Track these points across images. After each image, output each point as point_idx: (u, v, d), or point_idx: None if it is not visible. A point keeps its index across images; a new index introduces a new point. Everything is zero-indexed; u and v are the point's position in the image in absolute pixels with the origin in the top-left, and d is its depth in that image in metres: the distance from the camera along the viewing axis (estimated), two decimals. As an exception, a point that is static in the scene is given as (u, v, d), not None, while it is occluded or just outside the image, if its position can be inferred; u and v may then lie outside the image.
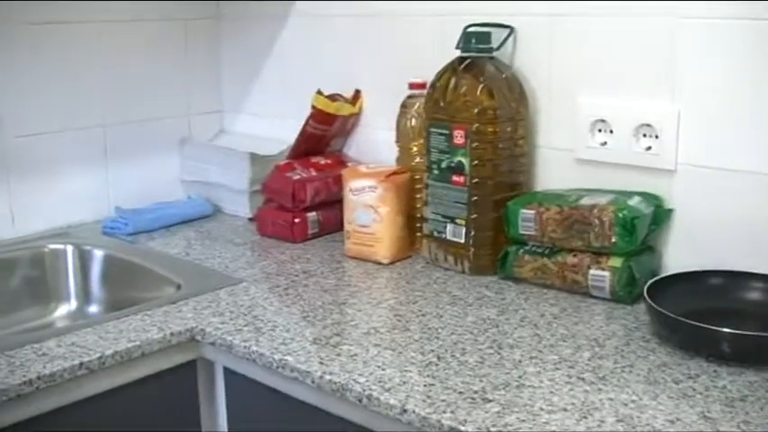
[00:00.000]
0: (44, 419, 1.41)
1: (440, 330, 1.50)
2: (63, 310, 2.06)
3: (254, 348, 1.45)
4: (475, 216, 1.76)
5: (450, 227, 1.79)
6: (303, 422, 1.46)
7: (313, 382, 1.35)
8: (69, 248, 2.07)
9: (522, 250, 1.72)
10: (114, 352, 1.46)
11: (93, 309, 2.05)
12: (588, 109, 1.75)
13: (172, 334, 1.53)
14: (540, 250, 1.70)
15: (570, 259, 1.66)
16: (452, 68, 1.80)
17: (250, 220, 2.24)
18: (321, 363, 1.38)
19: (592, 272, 1.63)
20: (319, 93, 2.11)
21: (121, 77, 2.28)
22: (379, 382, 1.30)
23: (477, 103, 1.74)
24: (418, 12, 2.01)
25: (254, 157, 2.21)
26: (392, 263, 1.87)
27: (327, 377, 1.33)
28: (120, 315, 1.61)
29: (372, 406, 1.27)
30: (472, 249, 1.78)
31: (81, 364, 1.42)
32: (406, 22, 2.05)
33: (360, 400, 1.28)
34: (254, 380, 1.50)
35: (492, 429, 1.16)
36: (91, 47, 2.21)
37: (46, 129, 2.15)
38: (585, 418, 1.19)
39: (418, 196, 1.90)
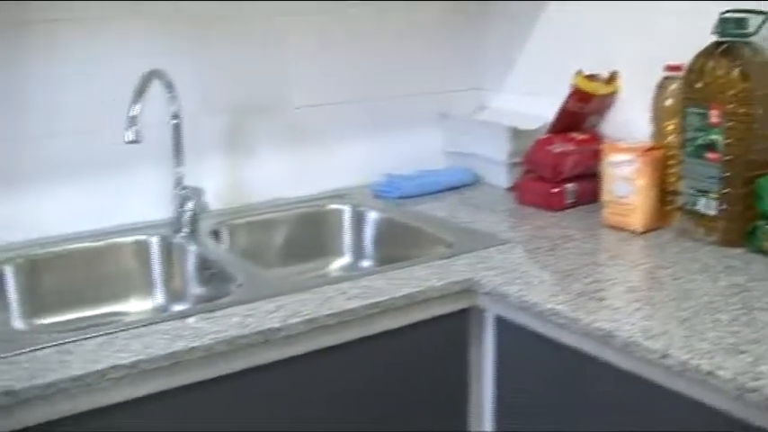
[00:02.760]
0: (339, 350, 1.63)
1: (693, 292, 1.63)
2: (339, 263, 2.30)
3: (527, 298, 1.63)
4: (727, 191, 1.86)
5: (702, 200, 1.90)
6: (568, 367, 1.62)
7: (582, 329, 1.52)
8: (347, 208, 2.30)
9: (771, 225, 1.81)
10: (403, 295, 1.67)
11: (366, 263, 2.27)
12: None
13: (451, 283, 1.73)
14: (790, 225, 1.79)
15: (820, 234, 1.74)
16: (709, 52, 1.89)
17: (507, 189, 2.40)
18: (589, 313, 1.54)
19: (841, 246, 1.71)
20: (579, 73, 2.25)
21: (391, 57, 2.50)
22: (643, 331, 1.46)
23: (732, 86, 1.83)
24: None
25: (514, 131, 2.37)
26: (645, 232, 2.01)
27: (596, 324, 1.50)
28: (404, 265, 1.82)
29: (636, 351, 1.43)
30: (723, 222, 1.88)
31: (377, 303, 1.64)
32: (660, 7, 2.13)
33: (625, 346, 1.45)
34: (525, 327, 1.67)
35: (745, 376, 1.29)
36: (373, 30, 2.46)
37: (326, 100, 2.40)
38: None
39: (671, 171, 2.02)
